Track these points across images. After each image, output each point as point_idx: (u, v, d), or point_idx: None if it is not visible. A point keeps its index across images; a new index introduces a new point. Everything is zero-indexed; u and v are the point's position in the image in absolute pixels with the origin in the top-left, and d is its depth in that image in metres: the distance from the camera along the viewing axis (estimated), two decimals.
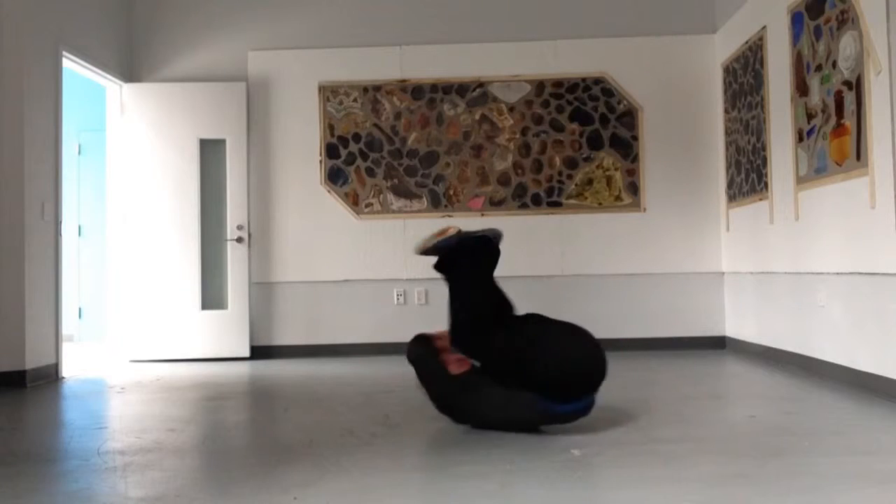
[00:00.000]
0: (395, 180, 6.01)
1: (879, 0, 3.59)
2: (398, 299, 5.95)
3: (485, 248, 3.25)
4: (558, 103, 5.98)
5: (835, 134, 4.05)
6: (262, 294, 6.02)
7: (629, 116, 5.96)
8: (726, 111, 5.76)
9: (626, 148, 5.95)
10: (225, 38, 6.15)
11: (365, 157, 6.03)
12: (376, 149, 6.03)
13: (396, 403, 3.83)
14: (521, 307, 5.89)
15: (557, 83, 5.99)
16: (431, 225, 5.96)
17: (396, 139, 6.03)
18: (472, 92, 6.02)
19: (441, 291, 5.97)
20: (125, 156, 5.95)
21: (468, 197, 5.99)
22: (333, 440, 3.00)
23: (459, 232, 3.27)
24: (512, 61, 6.01)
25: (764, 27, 4.96)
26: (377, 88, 6.05)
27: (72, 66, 5.37)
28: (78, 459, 2.79)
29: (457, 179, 5.99)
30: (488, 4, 6.10)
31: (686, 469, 2.48)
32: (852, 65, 3.87)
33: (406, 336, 5.96)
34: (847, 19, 3.90)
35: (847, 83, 3.92)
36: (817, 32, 4.24)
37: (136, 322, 5.85)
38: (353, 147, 6.04)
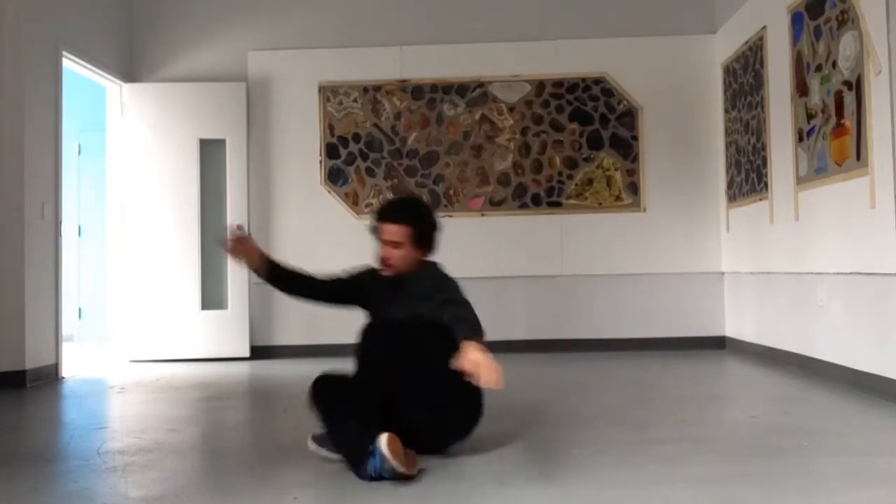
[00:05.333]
0: (395, 180, 6.01)
1: (879, 0, 3.59)
2: None
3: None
4: (558, 103, 5.98)
5: (835, 134, 4.05)
6: (262, 294, 6.01)
7: (629, 116, 5.96)
8: (726, 111, 5.75)
9: (626, 148, 5.95)
10: (225, 38, 6.14)
11: (365, 157, 6.03)
12: (376, 149, 6.03)
13: None
14: (522, 307, 5.95)
15: (557, 83, 5.98)
16: None
17: (396, 139, 6.02)
18: (472, 92, 6.02)
19: None
20: (125, 156, 5.95)
21: (468, 197, 5.98)
22: None
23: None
24: (512, 61, 6.01)
25: (764, 27, 4.96)
26: (377, 88, 6.05)
27: (72, 66, 5.36)
28: (78, 459, 2.79)
29: (457, 179, 5.99)
30: (488, 4, 6.09)
31: (686, 469, 2.48)
32: (852, 65, 3.87)
33: None
34: (847, 19, 3.90)
35: (847, 83, 3.92)
36: (817, 32, 4.23)
37: (136, 322, 5.85)
38: (353, 147, 6.04)
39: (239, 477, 2.51)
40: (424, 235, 2.86)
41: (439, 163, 6.00)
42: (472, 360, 2.32)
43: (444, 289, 2.74)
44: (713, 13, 5.97)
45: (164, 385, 4.63)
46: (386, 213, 2.87)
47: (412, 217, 2.86)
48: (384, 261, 2.84)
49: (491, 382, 2.31)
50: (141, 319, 5.85)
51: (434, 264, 2.92)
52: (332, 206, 6.02)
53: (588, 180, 5.95)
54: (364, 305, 2.93)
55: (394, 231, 2.80)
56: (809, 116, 4.34)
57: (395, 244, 2.81)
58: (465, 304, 2.62)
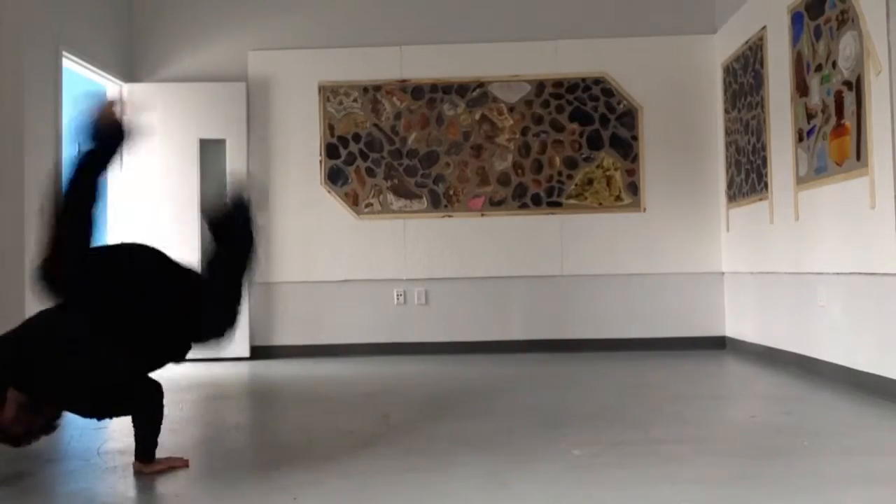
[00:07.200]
0: (395, 180, 6.01)
1: (879, 0, 3.60)
2: (398, 299, 5.94)
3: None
4: (558, 103, 5.98)
5: (835, 134, 4.05)
6: (262, 294, 6.01)
7: (629, 116, 5.96)
8: (726, 111, 5.75)
9: (626, 148, 5.95)
10: (225, 38, 6.14)
11: (365, 157, 6.03)
12: (376, 149, 6.03)
13: (396, 403, 3.83)
14: (522, 307, 5.95)
15: (557, 83, 5.98)
16: (431, 225, 5.99)
17: (396, 139, 6.02)
18: (472, 92, 6.02)
19: (442, 292, 6.01)
20: (125, 156, 5.95)
21: (468, 197, 5.99)
22: (333, 440, 3.00)
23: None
24: (512, 61, 6.01)
25: (764, 27, 4.96)
26: (377, 88, 6.05)
27: (72, 66, 5.36)
28: (78, 459, 2.80)
29: (457, 179, 5.99)
30: (488, 4, 6.09)
31: (686, 469, 2.48)
32: (852, 65, 3.87)
33: (406, 336, 6.03)
34: (847, 19, 3.90)
35: (847, 83, 3.92)
36: (817, 32, 4.24)
37: None
38: (353, 147, 6.04)
39: (239, 477, 2.51)
40: None
41: (439, 163, 6.01)
42: None
43: None
44: (713, 13, 5.97)
45: (164, 385, 4.62)
46: None
47: None
48: None
49: None
50: None
51: None
52: (332, 206, 6.02)
53: (588, 180, 5.95)
54: None
55: None
56: (809, 116, 4.34)
57: None
58: None
